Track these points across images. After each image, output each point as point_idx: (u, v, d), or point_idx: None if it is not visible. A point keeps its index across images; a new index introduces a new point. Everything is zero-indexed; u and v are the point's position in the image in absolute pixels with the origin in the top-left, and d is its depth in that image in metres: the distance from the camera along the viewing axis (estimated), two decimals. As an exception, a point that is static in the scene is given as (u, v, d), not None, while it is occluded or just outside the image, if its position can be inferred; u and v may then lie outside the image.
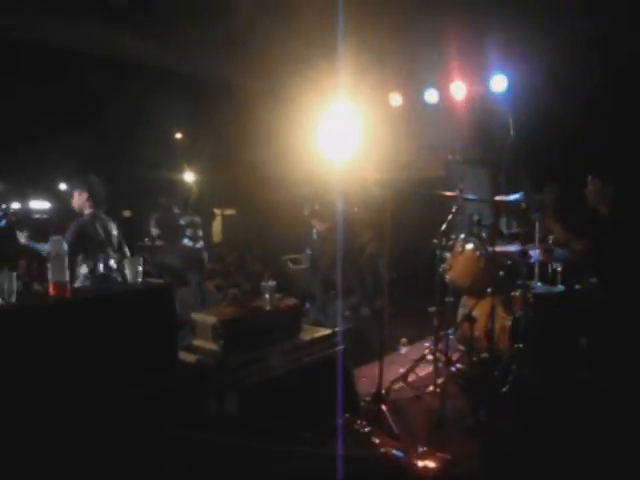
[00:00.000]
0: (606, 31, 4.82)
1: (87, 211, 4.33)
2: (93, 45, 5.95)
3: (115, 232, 4.52)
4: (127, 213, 15.20)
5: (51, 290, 2.29)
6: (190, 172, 15.46)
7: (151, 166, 14.57)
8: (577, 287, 4.27)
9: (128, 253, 4.66)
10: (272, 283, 3.31)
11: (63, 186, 17.02)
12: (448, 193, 4.08)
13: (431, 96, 6.62)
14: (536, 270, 4.45)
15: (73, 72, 10.27)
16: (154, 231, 5.98)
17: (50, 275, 2.29)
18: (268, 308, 3.18)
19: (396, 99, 6.80)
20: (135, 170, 14.70)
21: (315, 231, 6.70)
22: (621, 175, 3.83)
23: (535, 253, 4.17)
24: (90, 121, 13.49)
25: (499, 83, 5.67)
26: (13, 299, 2.16)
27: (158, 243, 9.95)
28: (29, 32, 5.42)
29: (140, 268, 2.54)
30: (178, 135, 16.68)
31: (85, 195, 4.32)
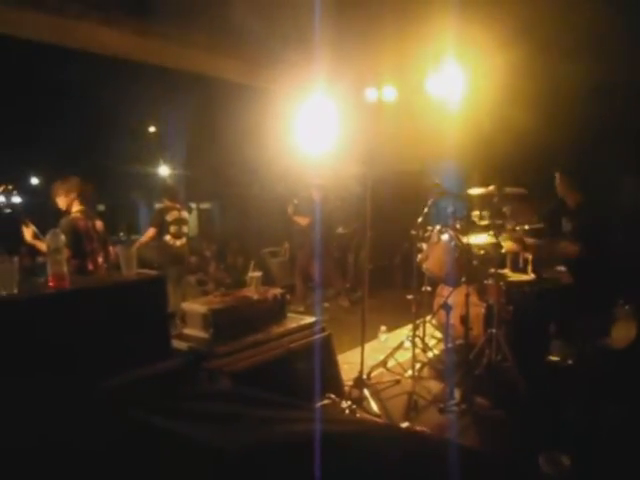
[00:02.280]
0: (580, 30, 5.04)
1: (75, 208, 4.39)
2: (66, 39, 5.93)
3: (101, 228, 4.60)
4: (101, 207, 15.08)
5: (51, 282, 2.38)
6: (165, 166, 15.40)
7: (125, 160, 14.48)
8: (546, 275, 4.52)
9: (112, 249, 4.73)
10: (258, 274, 3.45)
11: (35, 180, 16.78)
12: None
13: (408, 91, 6.78)
14: (508, 259, 4.66)
15: (46, 65, 10.16)
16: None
17: (49, 267, 2.39)
18: (255, 297, 3.32)
19: (374, 94, 6.94)
20: (109, 164, 14.59)
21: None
22: (584, 170, 4.05)
23: (507, 244, 4.39)
24: (63, 115, 13.35)
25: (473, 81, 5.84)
26: (15, 290, 2.25)
27: (134, 237, 9.91)
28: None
29: (134, 260, 2.65)
30: (152, 129, 16.59)
31: (74, 194, 4.39)
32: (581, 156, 4.61)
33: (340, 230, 6.71)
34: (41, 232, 4.12)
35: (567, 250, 3.76)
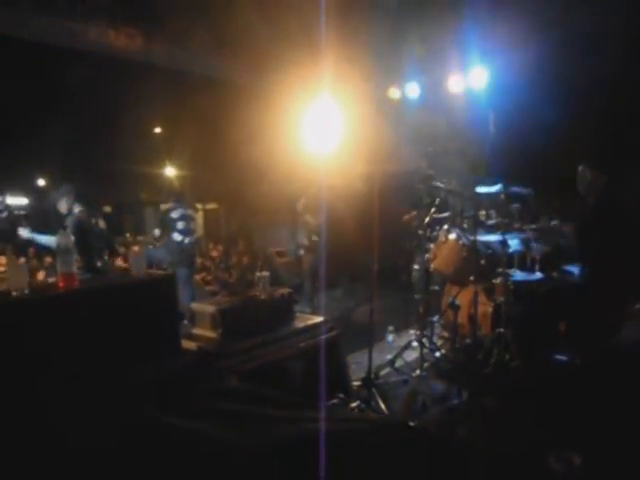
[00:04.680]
0: (587, 27, 5.04)
1: (77, 209, 4.47)
2: (75, 40, 5.97)
3: (103, 227, 4.66)
4: (107, 209, 15.13)
5: (60, 281, 2.39)
6: (171, 167, 15.41)
7: (131, 161, 14.49)
8: (554, 274, 4.50)
9: (118, 248, 4.80)
10: (266, 274, 3.45)
11: (42, 182, 16.84)
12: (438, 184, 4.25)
13: (413, 89, 6.81)
14: (515, 259, 4.65)
15: (51, 66, 10.19)
16: (156, 232, 5.97)
17: (59, 267, 2.40)
18: (263, 297, 3.32)
19: (379, 92, 6.96)
20: (115, 165, 14.62)
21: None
22: (614, 166, 3.98)
23: (514, 243, 4.38)
24: (68, 116, 13.37)
25: (480, 77, 5.87)
26: (26, 290, 2.26)
27: (140, 238, 9.95)
28: (6, 27, 5.42)
29: (144, 259, 2.66)
30: (157, 129, 16.60)
31: (72, 197, 4.48)
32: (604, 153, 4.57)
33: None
34: (49, 232, 4.20)
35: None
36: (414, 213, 4.89)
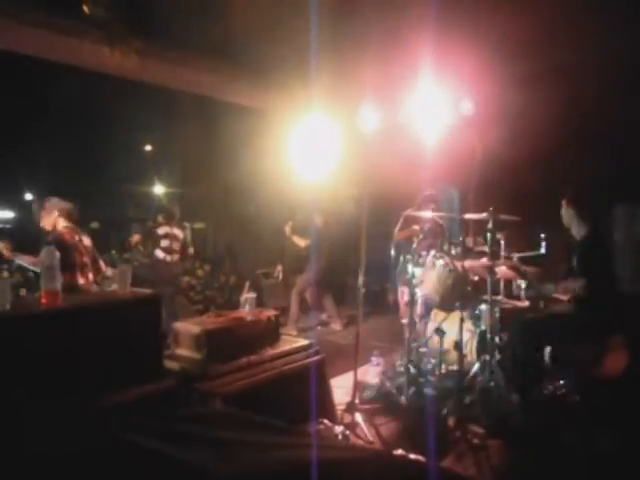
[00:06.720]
0: (571, 60, 5.15)
1: (61, 225, 4.40)
2: (69, 56, 5.98)
3: (89, 244, 4.59)
4: (95, 225, 14.98)
5: (43, 298, 2.35)
6: (160, 185, 15.38)
7: (120, 178, 14.47)
8: (540, 302, 4.52)
9: (103, 265, 4.72)
10: (253, 295, 3.43)
11: (29, 196, 16.73)
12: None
13: (403, 116, 6.87)
14: (502, 286, 4.66)
15: (42, 83, 10.21)
16: (136, 237, 5.92)
17: (42, 283, 2.36)
18: (249, 319, 3.30)
19: (369, 117, 7.01)
20: (103, 181, 14.58)
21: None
22: (598, 200, 4.04)
23: (501, 270, 4.40)
24: (57, 132, 13.36)
25: (467, 108, 5.95)
26: (7, 306, 2.23)
27: (126, 255, 9.88)
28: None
29: (129, 278, 2.63)
30: (148, 147, 16.61)
31: (56, 213, 4.41)
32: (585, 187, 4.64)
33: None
34: (33, 248, 4.13)
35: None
36: (414, 227, 4.83)
